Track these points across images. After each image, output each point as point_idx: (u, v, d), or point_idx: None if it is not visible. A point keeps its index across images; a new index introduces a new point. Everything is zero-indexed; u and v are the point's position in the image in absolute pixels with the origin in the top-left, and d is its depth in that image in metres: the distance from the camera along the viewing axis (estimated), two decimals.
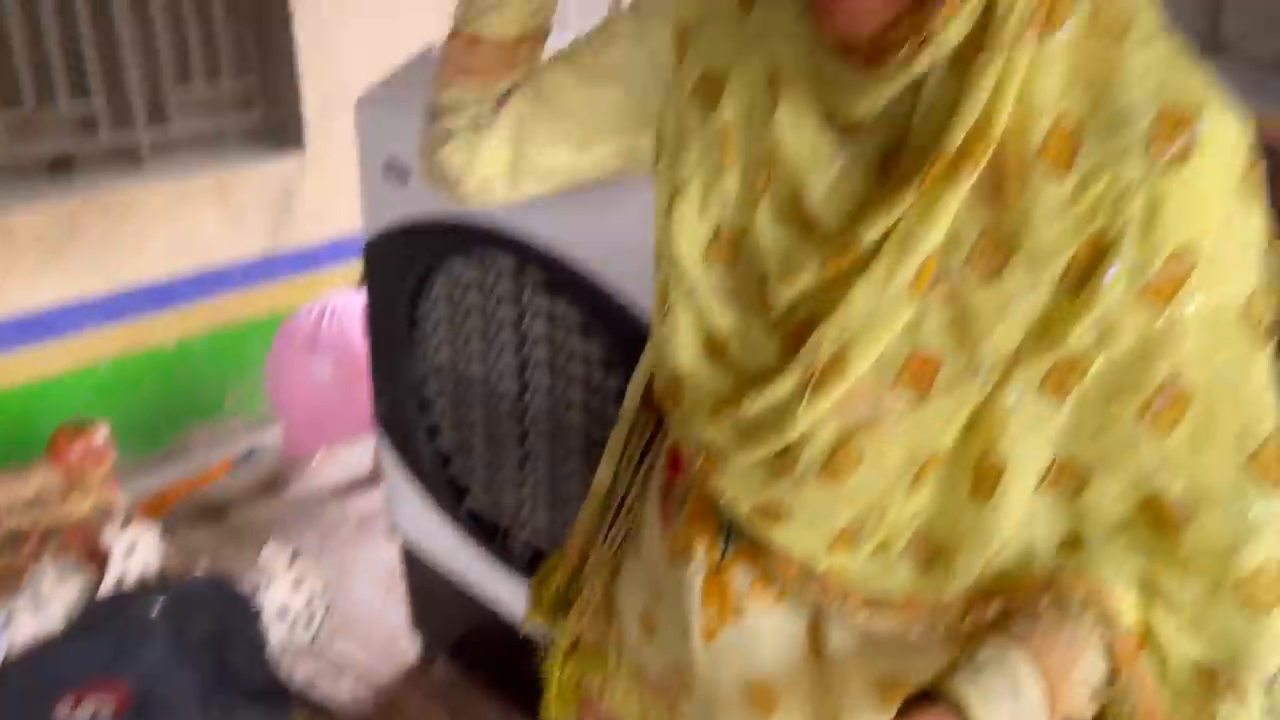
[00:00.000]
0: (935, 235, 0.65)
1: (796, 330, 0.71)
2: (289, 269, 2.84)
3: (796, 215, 0.71)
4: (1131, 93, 0.62)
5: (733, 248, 0.76)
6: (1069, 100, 0.63)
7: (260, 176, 2.73)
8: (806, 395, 0.70)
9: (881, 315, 0.67)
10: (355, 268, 2.95)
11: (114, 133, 2.50)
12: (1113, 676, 0.69)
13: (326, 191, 2.85)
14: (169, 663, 1.31)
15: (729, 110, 0.75)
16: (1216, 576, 0.67)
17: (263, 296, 2.81)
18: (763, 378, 0.73)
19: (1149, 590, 0.69)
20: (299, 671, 1.76)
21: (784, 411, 0.71)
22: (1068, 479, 0.69)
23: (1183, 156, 0.61)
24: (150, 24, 2.50)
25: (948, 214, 0.64)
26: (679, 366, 0.79)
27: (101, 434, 1.91)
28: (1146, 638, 0.69)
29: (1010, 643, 0.67)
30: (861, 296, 0.67)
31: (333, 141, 2.79)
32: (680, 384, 0.80)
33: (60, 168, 2.47)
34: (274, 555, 1.49)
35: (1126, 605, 0.68)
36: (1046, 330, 0.65)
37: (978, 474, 0.69)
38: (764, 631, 0.81)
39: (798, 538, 0.75)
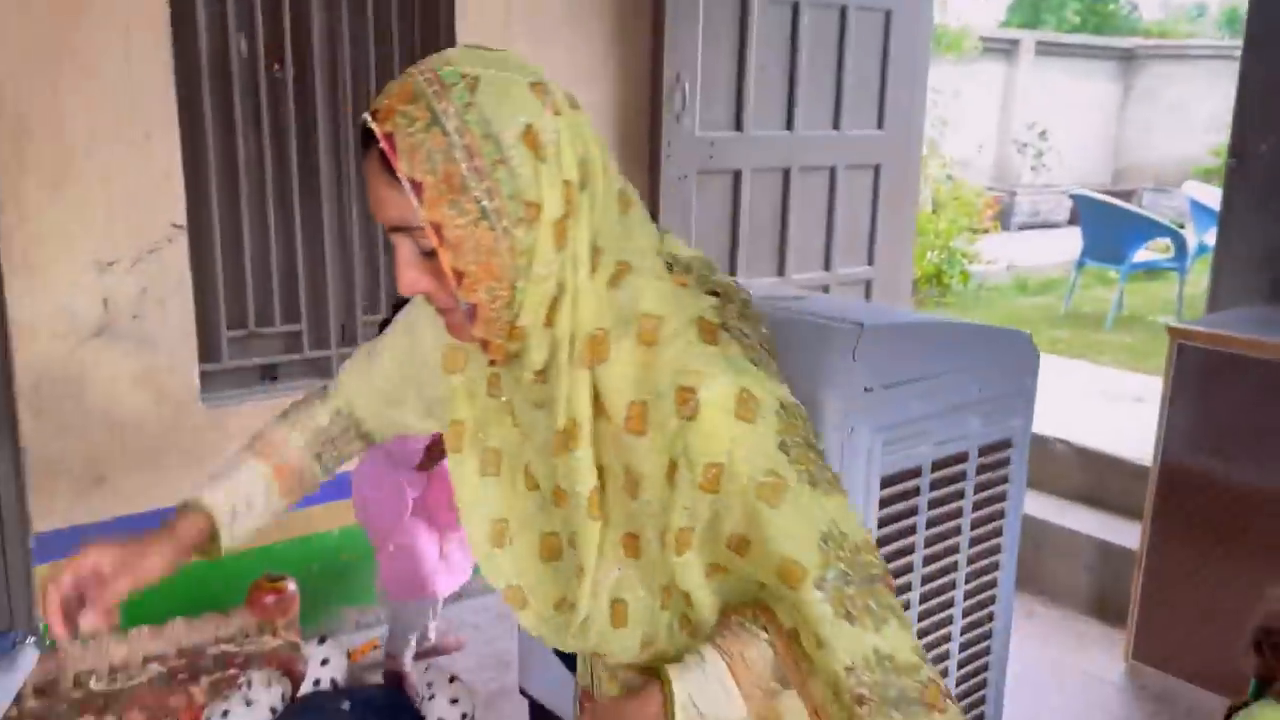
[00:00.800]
0: (589, 480, 1.04)
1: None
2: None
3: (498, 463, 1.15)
4: (663, 379, 0.98)
5: (497, 462, 1.18)
6: (635, 390, 0.99)
7: None
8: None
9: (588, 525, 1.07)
10: None
11: (313, 349, 3.02)
12: (777, 655, 1.03)
13: None
14: None
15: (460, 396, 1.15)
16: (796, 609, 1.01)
17: None
18: None
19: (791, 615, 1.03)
20: None
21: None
22: (720, 575, 1.05)
23: (693, 416, 0.97)
24: (351, 262, 3.07)
25: (586, 466, 1.03)
26: None
27: (290, 587, 2.27)
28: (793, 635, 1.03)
29: (703, 643, 1.04)
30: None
31: None
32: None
33: (269, 374, 2.98)
34: (437, 674, 1.77)
35: (783, 618, 1.02)
36: (666, 517, 1.02)
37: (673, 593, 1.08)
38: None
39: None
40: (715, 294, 1.07)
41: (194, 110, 2.72)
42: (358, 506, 2.77)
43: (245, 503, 1.21)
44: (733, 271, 3.73)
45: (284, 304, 2.98)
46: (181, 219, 2.67)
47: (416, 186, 0.90)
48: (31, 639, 1.86)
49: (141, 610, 2.57)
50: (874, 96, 3.99)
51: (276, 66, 2.84)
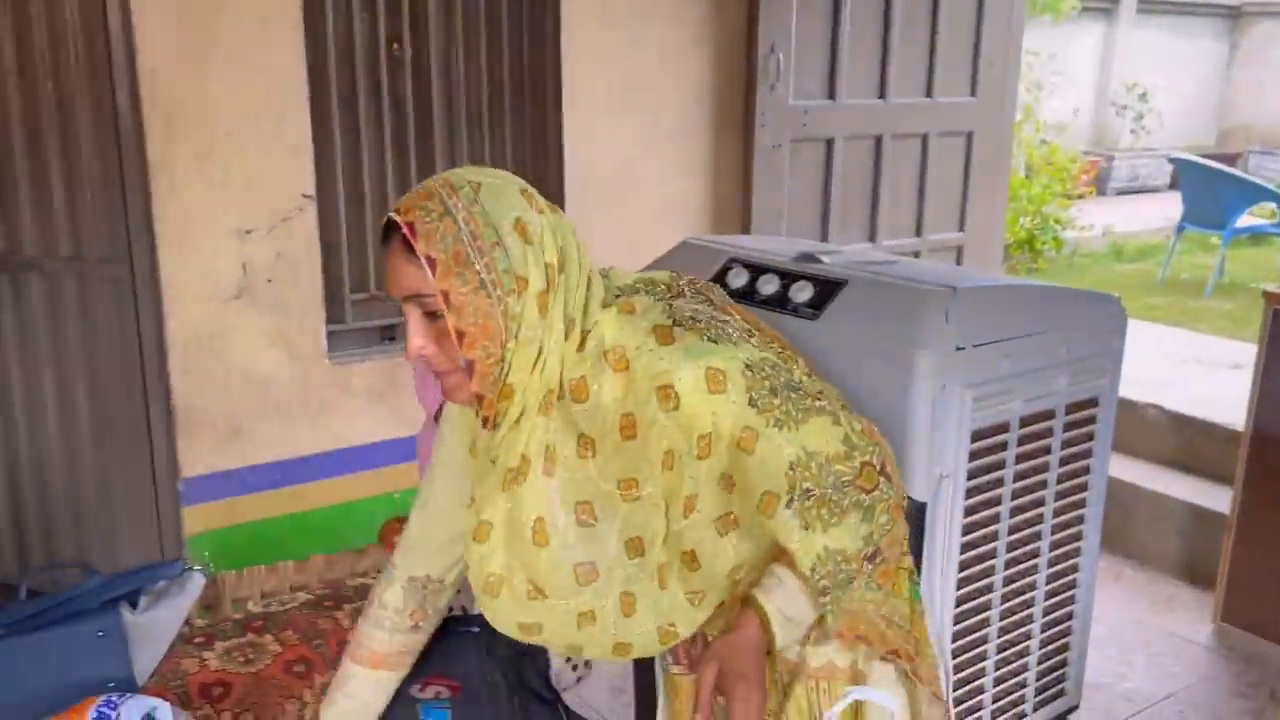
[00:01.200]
0: (537, 510, 1.25)
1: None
2: None
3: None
4: (643, 389, 1.19)
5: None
6: (625, 403, 1.20)
7: None
8: None
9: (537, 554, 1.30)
10: None
11: None
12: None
13: None
14: (484, 667, 1.76)
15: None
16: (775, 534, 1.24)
17: None
18: None
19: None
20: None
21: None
22: (733, 528, 1.26)
23: (676, 406, 1.18)
24: None
25: (537, 494, 1.25)
26: None
27: None
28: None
29: (773, 564, 1.25)
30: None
31: None
32: None
33: (387, 335, 3.19)
34: None
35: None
36: (674, 494, 1.22)
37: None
38: None
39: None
40: (662, 296, 1.29)
41: (321, 88, 2.91)
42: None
43: (361, 709, 1.55)
44: (824, 238, 3.83)
45: None
46: (311, 189, 2.89)
47: (431, 262, 1.13)
48: (198, 566, 2.09)
49: (286, 548, 2.82)
50: (967, 63, 4.02)
51: (396, 46, 3.03)
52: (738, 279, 2.09)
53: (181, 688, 1.83)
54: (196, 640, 1.92)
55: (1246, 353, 4.39)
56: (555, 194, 3.35)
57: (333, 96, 2.95)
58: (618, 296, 1.27)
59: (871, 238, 3.99)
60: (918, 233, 4.09)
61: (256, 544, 2.95)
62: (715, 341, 1.21)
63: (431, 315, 1.17)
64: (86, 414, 2.97)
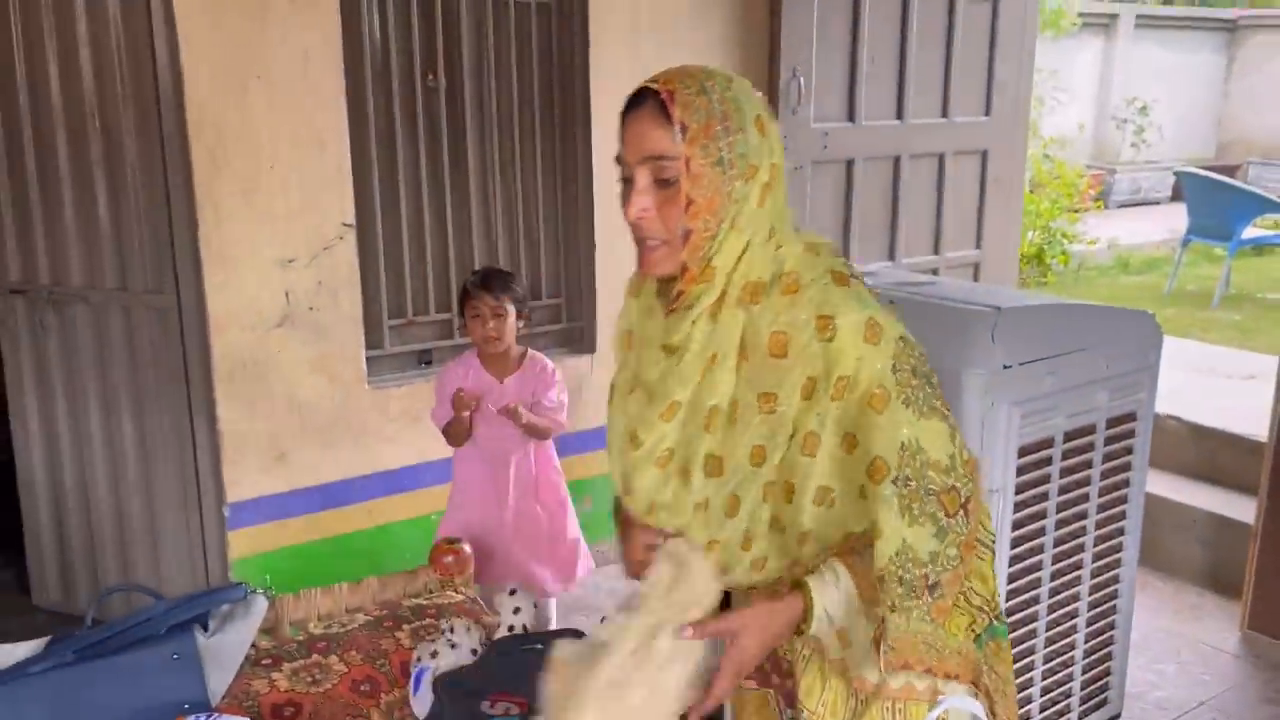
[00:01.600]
0: (716, 398, 1.29)
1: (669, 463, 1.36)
2: (578, 447, 3.47)
3: (646, 397, 1.35)
4: (803, 314, 1.25)
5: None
6: (779, 323, 1.26)
7: (562, 371, 3.42)
8: None
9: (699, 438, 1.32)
10: None
11: (464, 335, 3.27)
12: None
13: (608, 385, 3.52)
14: None
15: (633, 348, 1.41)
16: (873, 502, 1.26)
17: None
18: None
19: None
20: None
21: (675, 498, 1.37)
22: (827, 503, 1.30)
23: (831, 338, 1.24)
24: (496, 256, 3.32)
25: (725, 386, 1.28)
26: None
27: (466, 549, 2.52)
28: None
29: (834, 557, 1.28)
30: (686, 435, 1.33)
31: None
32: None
33: (424, 359, 3.25)
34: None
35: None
36: (801, 425, 1.26)
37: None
38: None
39: None
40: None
41: (360, 119, 2.98)
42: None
43: None
44: (845, 256, 3.89)
45: (437, 294, 3.24)
46: (351, 218, 2.95)
47: (684, 128, 1.21)
48: (260, 590, 2.14)
49: (329, 570, 2.86)
50: (981, 84, 4.10)
51: (431, 77, 3.09)
52: None
53: (254, 708, 1.87)
54: (264, 662, 1.96)
55: (1260, 363, 4.46)
56: (585, 217, 3.41)
57: (371, 127, 3.02)
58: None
59: (891, 256, 4.05)
60: (936, 250, 4.16)
61: (300, 567, 3.01)
62: (881, 307, 1.29)
63: (661, 183, 1.24)
64: (132, 442, 3.02)
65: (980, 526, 1.36)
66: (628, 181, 1.26)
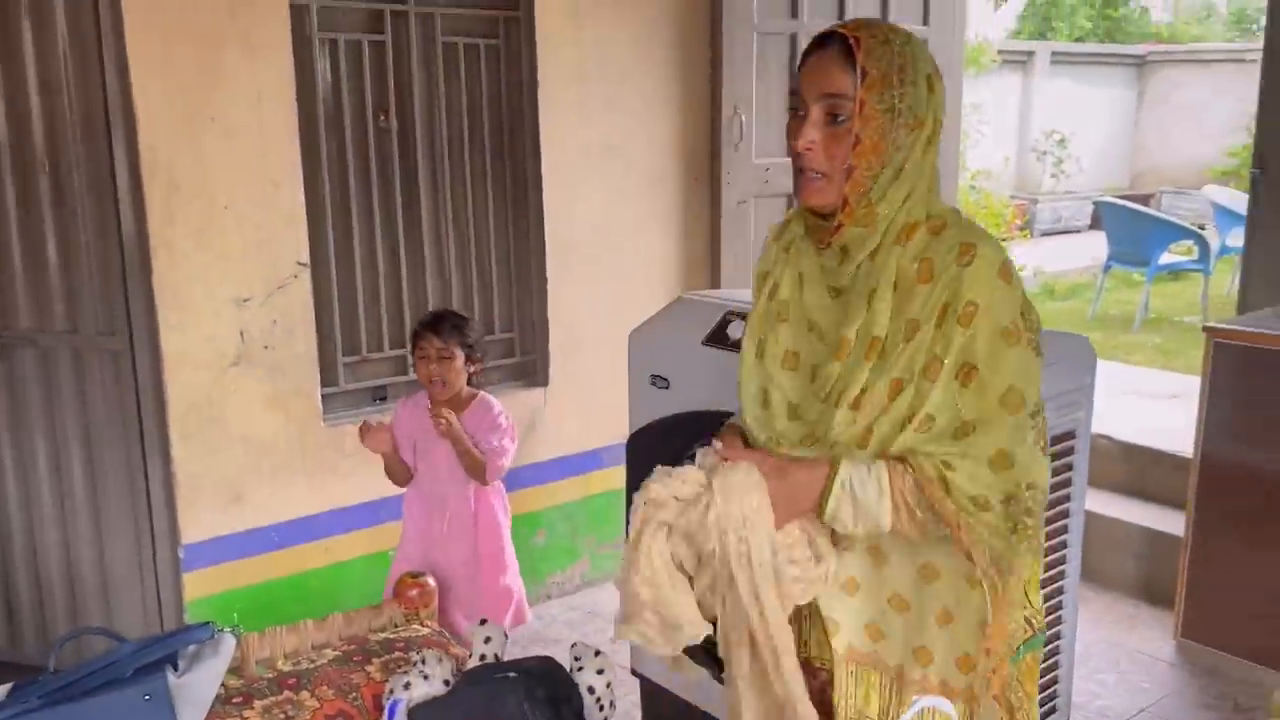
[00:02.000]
0: (878, 328, 1.37)
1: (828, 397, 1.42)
2: (533, 480, 3.51)
3: (820, 336, 1.45)
4: (947, 243, 1.35)
5: (794, 358, 1.48)
6: (927, 252, 1.36)
7: (515, 404, 3.46)
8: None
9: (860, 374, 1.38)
10: (579, 481, 3.63)
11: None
12: (923, 495, 1.34)
13: (561, 418, 3.57)
14: (524, 712, 1.84)
15: (777, 298, 1.50)
16: (984, 457, 1.32)
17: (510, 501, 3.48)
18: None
19: (946, 464, 1.34)
20: None
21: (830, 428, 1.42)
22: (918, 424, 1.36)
23: (969, 263, 1.33)
24: (449, 291, 3.36)
25: (883, 316, 1.37)
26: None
27: (430, 582, 2.53)
28: (939, 481, 1.33)
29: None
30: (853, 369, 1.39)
31: (567, 380, 3.55)
32: (780, 436, 1.48)
33: (378, 395, 3.27)
34: (584, 649, 2.03)
35: (929, 468, 1.34)
36: (934, 352, 1.33)
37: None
38: None
39: None
40: None
41: (314, 159, 3.01)
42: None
43: None
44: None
45: (391, 330, 3.26)
46: (306, 257, 2.97)
47: (864, 72, 1.32)
48: (228, 629, 2.14)
49: (300, 608, 2.86)
50: None
51: (383, 118, 3.14)
52: (737, 331, 2.22)
53: None
54: (235, 700, 1.96)
55: (1181, 383, 4.67)
56: (536, 255, 3.48)
57: (324, 167, 3.05)
58: None
59: None
60: None
61: (258, 606, 2.99)
62: None
63: (831, 118, 1.33)
64: (83, 486, 2.99)
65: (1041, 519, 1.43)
66: (796, 113, 1.37)
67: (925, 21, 4.13)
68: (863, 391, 1.36)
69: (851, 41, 1.32)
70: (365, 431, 2.71)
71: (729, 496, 1.38)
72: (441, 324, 2.70)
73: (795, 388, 1.46)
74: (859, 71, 1.31)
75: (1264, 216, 3.50)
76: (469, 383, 2.78)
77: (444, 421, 2.65)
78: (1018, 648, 1.46)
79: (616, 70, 3.50)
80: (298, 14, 2.92)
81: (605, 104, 3.49)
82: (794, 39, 3.84)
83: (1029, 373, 1.33)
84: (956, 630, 1.42)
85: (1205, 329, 3.14)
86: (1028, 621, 1.47)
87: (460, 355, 2.71)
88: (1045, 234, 10.94)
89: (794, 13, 3.83)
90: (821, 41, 1.36)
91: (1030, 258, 8.91)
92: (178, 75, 2.71)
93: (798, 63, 1.44)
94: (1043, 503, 1.37)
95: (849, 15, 3.90)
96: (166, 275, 2.76)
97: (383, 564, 3.15)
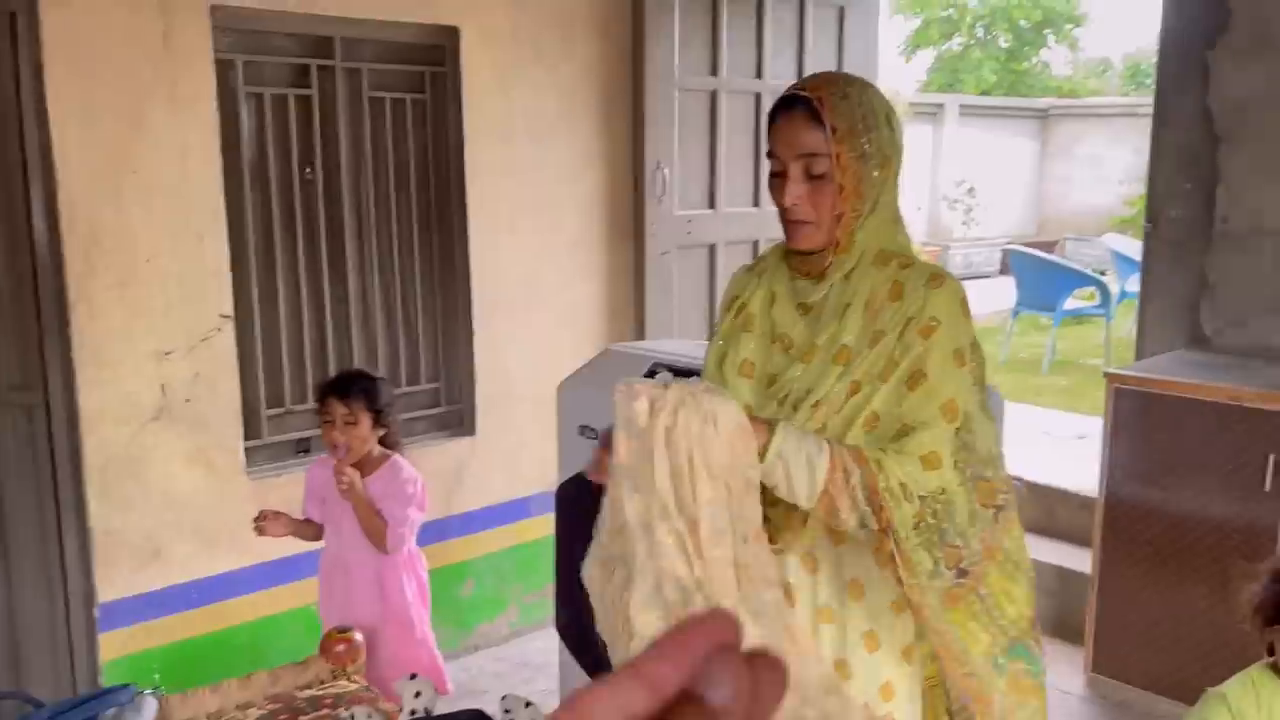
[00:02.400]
0: (847, 336, 1.50)
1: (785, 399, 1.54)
2: (461, 530, 3.51)
3: (784, 348, 1.57)
4: (920, 272, 1.50)
5: (751, 367, 1.60)
6: (899, 277, 1.50)
7: (441, 455, 3.47)
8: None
9: (827, 378, 1.51)
10: (506, 531, 3.63)
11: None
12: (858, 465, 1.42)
13: (488, 468, 3.58)
14: None
15: (744, 313, 1.63)
16: (917, 454, 1.43)
17: (434, 553, 3.47)
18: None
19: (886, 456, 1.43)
20: None
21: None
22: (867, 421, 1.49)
23: (939, 287, 1.47)
24: (375, 343, 3.36)
25: (854, 326, 1.50)
26: None
27: (357, 637, 2.52)
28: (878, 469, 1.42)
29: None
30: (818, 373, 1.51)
31: (495, 430, 3.56)
32: None
33: (302, 447, 3.24)
34: (514, 700, 2.04)
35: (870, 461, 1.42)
36: (892, 357, 1.47)
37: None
38: None
39: None
40: None
41: (238, 212, 3.01)
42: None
43: None
44: (711, 335, 4.09)
45: (315, 382, 3.24)
46: (229, 309, 2.95)
47: (834, 129, 1.46)
48: (149, 690, 2.10)
49: (222, 667, 2.80)
50: None
51: (308, 170, 3.15)
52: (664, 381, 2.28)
53: None
54: None
55: (1086, 424, 4.87)
56: (464, 308, 3.50)
57: (249, 220, 3.05)
58: None
59: None
60: None
61: (178, 666, 2.92)
62: None
63: (811, 176, 1.48)
64: None
65: (1015, 544, 1.52)
66: (777, 174, 1.52)
67: None
68: (823, 396, 1.49)
69: (815, 102, 1.46)
70: (262, 522, 2.63)
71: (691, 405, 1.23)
72: (347, 387, 2.61)
73: (750, 393, 1.58)
74: (828, 128, 1.46)
75: (1155, 267, 3.70)
76: (385, 443, 2.69)
77: (346, 482, 2.56)
78: (998, 660, 1.52)
79: (544, 127, 3.57)
80: (223, 67, 2.94)
81: (531, 157, 3.55)
82: (714, 95, 3.96)
83: (968, 394, 1.47)
84: (880, 657, 1.50)
85: (1106, 375, 3.30)
86: (1005, 631, 1.52)
87: (366, 419, 2.60)
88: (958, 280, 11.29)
89: (714, 70, 3.95)
90: (787, 104, 1.50)
91: None
92: (99, 127, 2.70)
93: (765, 123, 1.57)
94: (963, 516, 1.46)
95: (767, 74, 4.05)
96: (86, 329, 2.72)
97: (308, 619, 3.11)
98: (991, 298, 9.77)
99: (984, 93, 17.00)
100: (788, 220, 1.53)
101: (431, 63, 3.38)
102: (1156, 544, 3.17)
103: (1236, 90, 3.45)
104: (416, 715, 2.02)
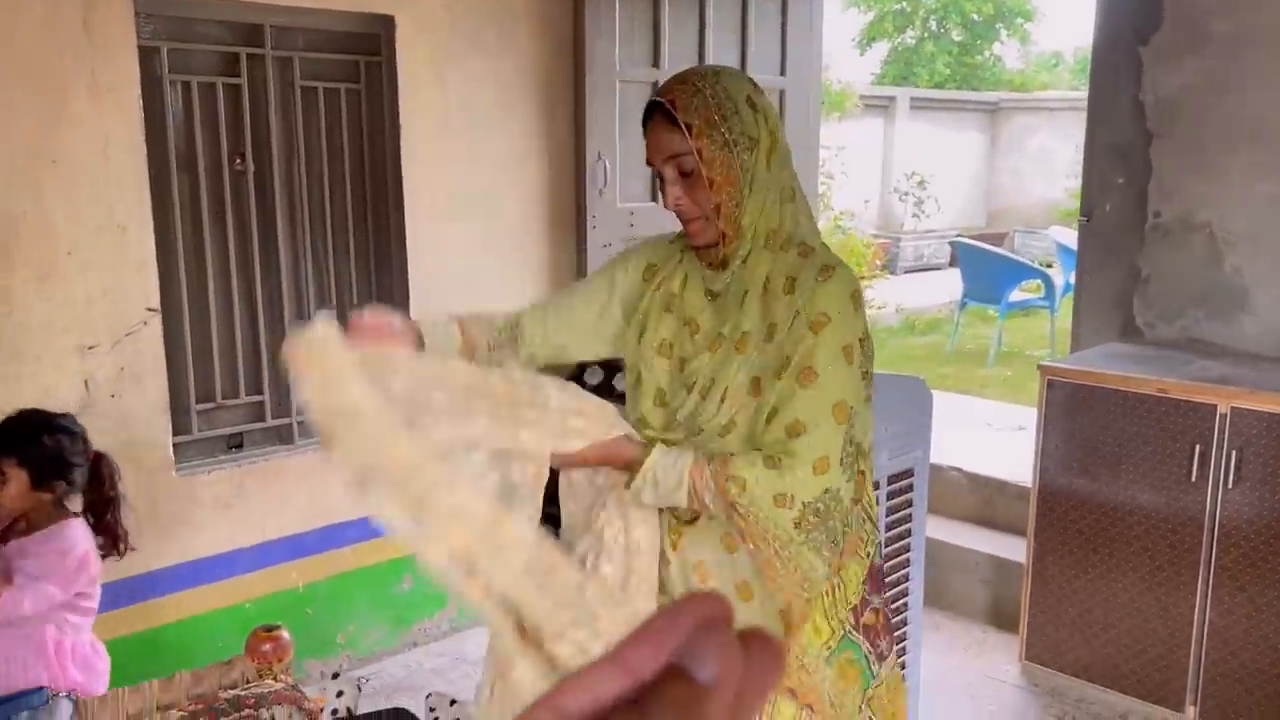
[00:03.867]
0: (747, 324, 1.53)
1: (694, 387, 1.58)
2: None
3: (692, 333, 1.60)
4: (814, 263, 1.52)
5: (669, 348, 1.63)
6: (794, 270, 1.52)
7: None
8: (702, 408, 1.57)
9: (729, 366, 1.54)
10: None
11: (275, 417, 3.25)
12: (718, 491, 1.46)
13: None
14: None
15: (665, 289, 1.64)
16: (809, 460, 1.46)
17: (372, 549, 3.44)
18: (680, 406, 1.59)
19: (759, 460, 1.47)
20: None
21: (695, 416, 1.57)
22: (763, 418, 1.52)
23: (826, 280, 1.50)
24: None
25: (753, 314, 1.53)
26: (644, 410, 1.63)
27: (284, 635, 2.48)
28: (738, 480, 1.46)
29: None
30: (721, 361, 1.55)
31: None
32: (643, 419, 1.62)
33: (234, 443, 3.19)
34: (439, 699, 2.03)
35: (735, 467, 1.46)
36: (784, 351, 1.49)
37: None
38: None
39: None
40: None
41: (165, 203, 2.95)
42: None
43: (442, 339, 1.72)
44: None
45: (247, 376, 3.20)
46: (156, 303, 2.89)
47: (689, 127, 1.48)
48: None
49: (148, 667, 2.75)
50: None
51: (239, 160, 3.10)
52: (593, 377, 2.27)
53: None
54: None
55: (1026, 415, 4.93)
56: (400, 300, 3.46)
57: (176, 211, 2.99)
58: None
59: None
60: None
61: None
62: None
63: (684, 174, 1.50)
64: None
65: (868, 535, 1.57)
66: (661, 177, 1.55)
67: (782, 72, 4.30)
68: (729, 386, 1.53)
69: (669, 105, 1.49)
70: None
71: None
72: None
73: (664, 374, 1.63)
74: (685, 128, 1.47)
75: (1090, 261, 3.75)
76: (60, 504, 2.36)
77: None
78: (869, 671, 1.57)
79: (482, 118, 3.53)
80: (147, 55, 2.87)
81: (470, 149, 3.51)
82: (655, 87, 3.94)
83: (857, 393, 1.50)
84: None
85: (1040, 367, 3.34)
86: (839, 626, 1.58)
87: (21, 476, 2.24)
88: (908, 271, 11.41)
89: (655, 61, 3.94)
90: (648, 113, 1.52)
91: (892, 294, 9.27)
92: (17, 116, 2.62)
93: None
94: (844, 513, 1.50)
95: (709, 61, 4.04)
96: (4, 324, 2.65)
97: (238, 617, 3.07)
98: (941, 289, 9.87)
99: (937, 85, 17.15)
100: (681, 220, 1.57)
101: (366, 52, 3.33)
102: (1088, 533, 3.22)
103: (1168, 87, 3.50)
104: (338, 714, 2.00)
